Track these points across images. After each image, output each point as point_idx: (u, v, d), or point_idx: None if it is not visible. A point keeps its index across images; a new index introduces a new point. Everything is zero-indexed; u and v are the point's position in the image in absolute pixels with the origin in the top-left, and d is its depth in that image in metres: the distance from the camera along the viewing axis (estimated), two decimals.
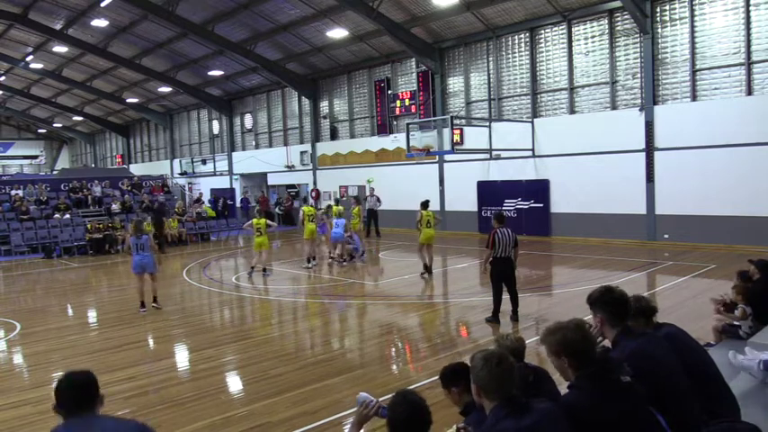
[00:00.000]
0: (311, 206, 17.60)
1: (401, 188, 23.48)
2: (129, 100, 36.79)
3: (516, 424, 2.52)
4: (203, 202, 28.98)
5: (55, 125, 49.37)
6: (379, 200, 22.95)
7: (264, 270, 14.77)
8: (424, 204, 14.08)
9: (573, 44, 18.76)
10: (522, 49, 20.11)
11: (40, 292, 14.54)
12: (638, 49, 17.21)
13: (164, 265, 17.36)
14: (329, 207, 18.24)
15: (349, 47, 24.31)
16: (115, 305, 12.15)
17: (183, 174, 35.12)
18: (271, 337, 9.35)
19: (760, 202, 14.93)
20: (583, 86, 18.73)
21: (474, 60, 21.68)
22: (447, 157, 21.27)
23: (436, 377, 6.74)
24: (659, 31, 16.79)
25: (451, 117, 18.33)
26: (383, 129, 24.74)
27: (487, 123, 19.99)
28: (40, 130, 53.01)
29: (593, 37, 18.34)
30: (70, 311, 11.86)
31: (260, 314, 11.34)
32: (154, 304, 11.42)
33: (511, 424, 2.52)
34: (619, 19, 17.67)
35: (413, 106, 23.58)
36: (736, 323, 5.98)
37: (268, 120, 31.36)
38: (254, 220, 14.91)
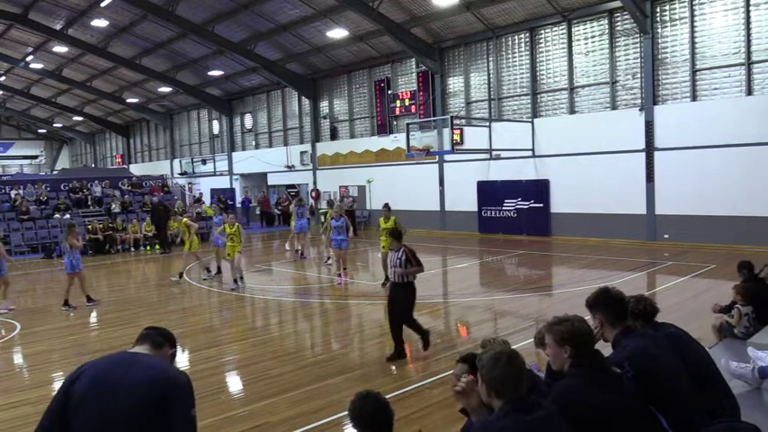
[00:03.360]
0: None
1: (401, 188, 23.51)
2: (129, 100, 36.80)
3: (521, 419, 2.52)
4: (203, 202, 28.98)
5: (55, 125, 49.36)
6: (354, 200, 24.36)
7: (241, 278, 13.23)
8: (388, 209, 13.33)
9: (573, 44, 18.76)
10: (522, 49, 20.11)
11: (40, 292, 14.54)
12: (638, 49, 17.21)
13: (164, 265, 17.36)
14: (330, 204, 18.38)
15: (349, 47, 24.30)
16: (115, 305, 12.15)
17: (183, 174, 35.14)
18: (271, 337, 9.34)
19: (760, 202, 14.93)
20: (583, 86, 18.73)
21: (474, 60, 21.68)
22: (447, 157, 21.27)
23: (436, 377, 6.78)
24: (659, 31, 16.79)
25: (451, 117, 18.31)
26: (383, 129, 24.74)
27: (487, 123, 19.98)
28: (40, 130, 53.00)
29: (593, 37, 18.34)
30: (70, 311, 11.84)
31: (260, 314, 11.34)
32: (63, 307, 11.58)
33: (515, 420, 2.52)
34: (619, 19, 17.67)
35: (413, 106, 23.58)
36: (732, 324, 6.00)
37: (268, 120, 31.37)
38: (227, 227, 13.38)
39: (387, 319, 7.91)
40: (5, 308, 11.69)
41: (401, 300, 7.65)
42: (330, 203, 20.09)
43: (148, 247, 21.93)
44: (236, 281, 13.01)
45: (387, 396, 2.88)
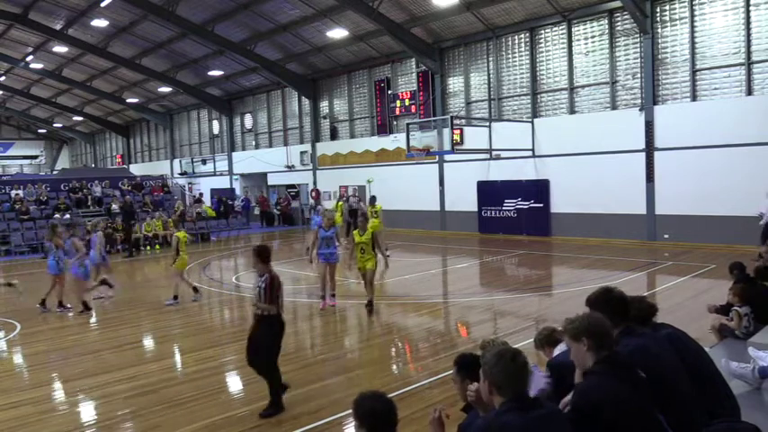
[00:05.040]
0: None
1: (401, 188, 23.50)
2: (129, 100, 36.80)
3: (521, 416, 2.53)
4: (203, 202, 28.98)
5: (55, 125, 49.36)
6: (360, 199, 23.35)
7: (175, 297, 11.91)
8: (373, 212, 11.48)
9: (573, 44, 18.76)
10: (522, 49, 20.11)
11: (40, 291, 14.48)
12: (638, 49, 17.21)
13: (165, 265, 17.33)
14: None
15: (349, 47, 24.30)
16: (115, 305, 12.16)
17: (183, 174, 35.14)
18: None
19: (760, 202, 14.89)
20: (583, 86, 18.73)
21: (474, 60, 21.68)
22: (447, 157, 21.26)
23: (436, 377, 6.78)
24: (659, 31, 16.79)
25: (451, 117, 18.32)
26: (383, 129, 24.74)
27: (487, 123, 19.97)
28: (40, 130, 53.00)
29: (593, 37, 18.34)
30: (70, 311, 11.84)
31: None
32: (57, 309, 11.52)
33: (516, 416, 2.53)
34: (619, 19, 17.67)
35: (413, 106, 23.58)
36: (731, 325, 5.99)
37: (268, 120, 31.36)
38: (180, 234, 12.18)
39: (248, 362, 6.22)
40: (99, 295, 12.26)
41: (263, 338, 6.02)
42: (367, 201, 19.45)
43: (148, 247, 21.92)
44: (175, 297, 11.82)
45: (391, 394, 2.88)
